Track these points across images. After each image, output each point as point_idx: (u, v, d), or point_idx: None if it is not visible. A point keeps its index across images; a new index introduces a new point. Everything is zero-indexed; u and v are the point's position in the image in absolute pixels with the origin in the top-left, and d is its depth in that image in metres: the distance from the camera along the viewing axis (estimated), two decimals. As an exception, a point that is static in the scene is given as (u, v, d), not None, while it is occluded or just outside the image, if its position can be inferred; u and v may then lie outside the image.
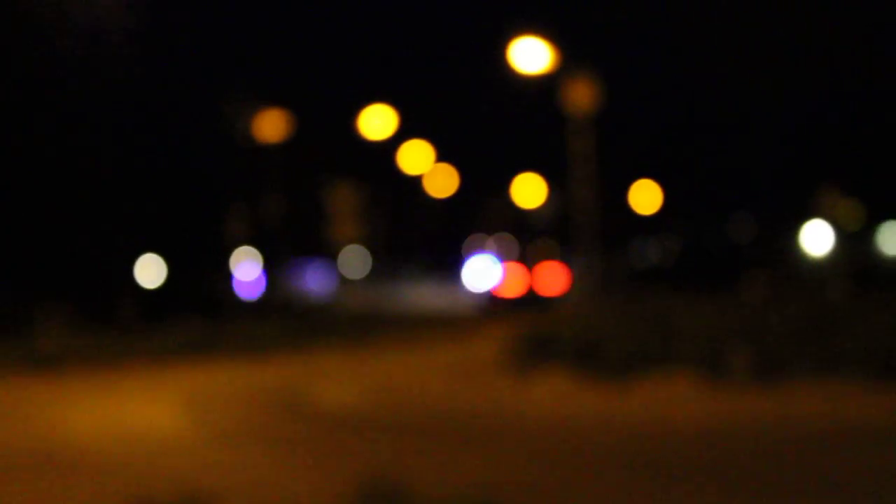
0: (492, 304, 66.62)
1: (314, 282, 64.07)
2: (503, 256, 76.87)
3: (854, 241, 49.97)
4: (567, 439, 11.27)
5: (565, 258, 72.79)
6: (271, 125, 41.09)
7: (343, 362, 22.75)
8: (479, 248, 79.72)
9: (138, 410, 14.90)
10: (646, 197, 72.20)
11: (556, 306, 57.11)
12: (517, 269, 73.21)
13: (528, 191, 69.43)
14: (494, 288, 72.95)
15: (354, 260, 53.15)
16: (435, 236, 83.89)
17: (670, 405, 12.67)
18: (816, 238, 56.32)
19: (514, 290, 70.99)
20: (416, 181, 69.64)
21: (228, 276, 40.67)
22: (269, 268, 49.19)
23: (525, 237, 79.14)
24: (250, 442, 12.20)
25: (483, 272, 75.60)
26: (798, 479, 8.42)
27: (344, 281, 44.95)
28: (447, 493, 5.63)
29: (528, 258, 76.93)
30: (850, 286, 24.87)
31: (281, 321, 31.65)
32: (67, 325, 26.44)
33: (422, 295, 72.74)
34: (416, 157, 64.04)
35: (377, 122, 55.73)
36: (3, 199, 28.84)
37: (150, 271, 44.80)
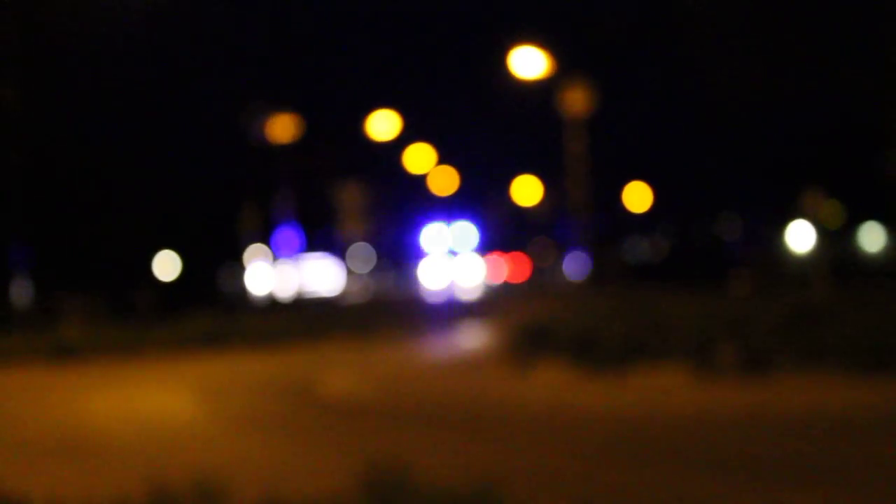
0: None
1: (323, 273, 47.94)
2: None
3: (836, 239, 31.85)
4: (565, 428, 6.82)
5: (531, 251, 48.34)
6: (283, 128, 26.81)
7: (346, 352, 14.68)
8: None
9: (155, 399, 10.79)
10: (638, 196, 43.35)
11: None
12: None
13: (527, 190, 41.43)
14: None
15: (361, 255, 38.30)
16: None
17: (662, 396, 8.91)
18: (800, 236, 32.13)
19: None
20: (419, 181, 40.41)
21: (241, 270, 27.37)
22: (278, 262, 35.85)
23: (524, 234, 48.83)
24: (259, 429, 7.39)
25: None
26: (782, 466, 5.29)
27: (351, 274, 32.29)
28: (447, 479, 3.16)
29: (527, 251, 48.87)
30: (831, 282, 16.39)
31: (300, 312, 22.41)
32: (89, 317, 18.33)
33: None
34: (419, 159, 36.72)
35: (383, 125, 33.88)
36: (27, 199, 20.47)
37: (166, 266, 28.81)
